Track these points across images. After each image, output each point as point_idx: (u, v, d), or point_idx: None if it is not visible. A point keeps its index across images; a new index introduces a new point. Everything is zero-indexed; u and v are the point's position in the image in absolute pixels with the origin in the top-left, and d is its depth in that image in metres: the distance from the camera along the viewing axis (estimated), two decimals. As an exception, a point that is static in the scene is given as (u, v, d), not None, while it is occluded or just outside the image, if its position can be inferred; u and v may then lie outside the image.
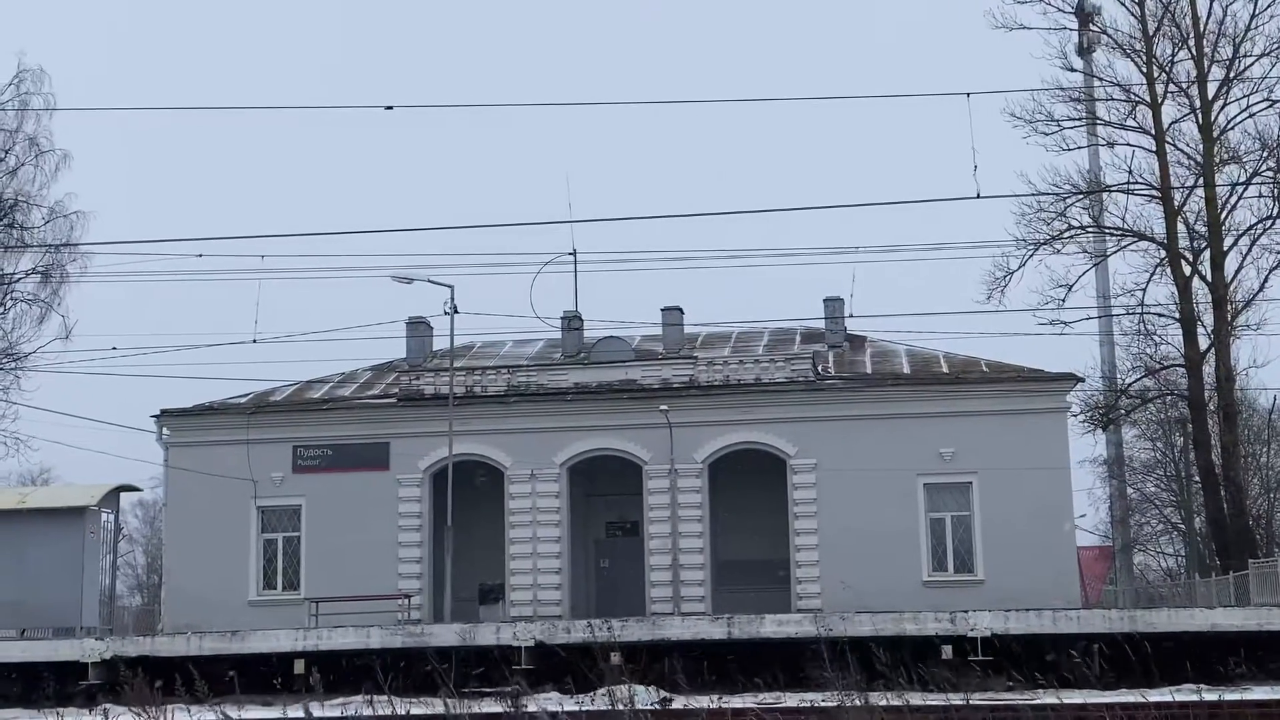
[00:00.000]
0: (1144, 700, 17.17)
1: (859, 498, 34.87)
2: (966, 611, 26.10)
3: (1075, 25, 41.66)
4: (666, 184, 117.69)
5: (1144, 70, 38.90)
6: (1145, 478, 57.29)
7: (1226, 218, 38.31)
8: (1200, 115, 38.30)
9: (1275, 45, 38.02)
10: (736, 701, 20.73)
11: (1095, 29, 41.51)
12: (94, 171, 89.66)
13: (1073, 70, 40.60)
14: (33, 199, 41.77)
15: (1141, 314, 40.08)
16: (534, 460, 36.80)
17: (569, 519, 37.21)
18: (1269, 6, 37.93)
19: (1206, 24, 38.48)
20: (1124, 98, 39.34)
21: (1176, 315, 38.70)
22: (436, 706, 19.24)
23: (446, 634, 27.13)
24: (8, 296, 41.67)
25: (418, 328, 41.34)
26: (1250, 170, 38.26)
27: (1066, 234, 39.08)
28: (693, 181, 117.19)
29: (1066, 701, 19.07)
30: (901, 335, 38.26)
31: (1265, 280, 38.44)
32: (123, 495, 35.07)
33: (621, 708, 17.48)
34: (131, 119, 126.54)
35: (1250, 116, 38.45)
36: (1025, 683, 23.81)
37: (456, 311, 33.65)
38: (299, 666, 26.78)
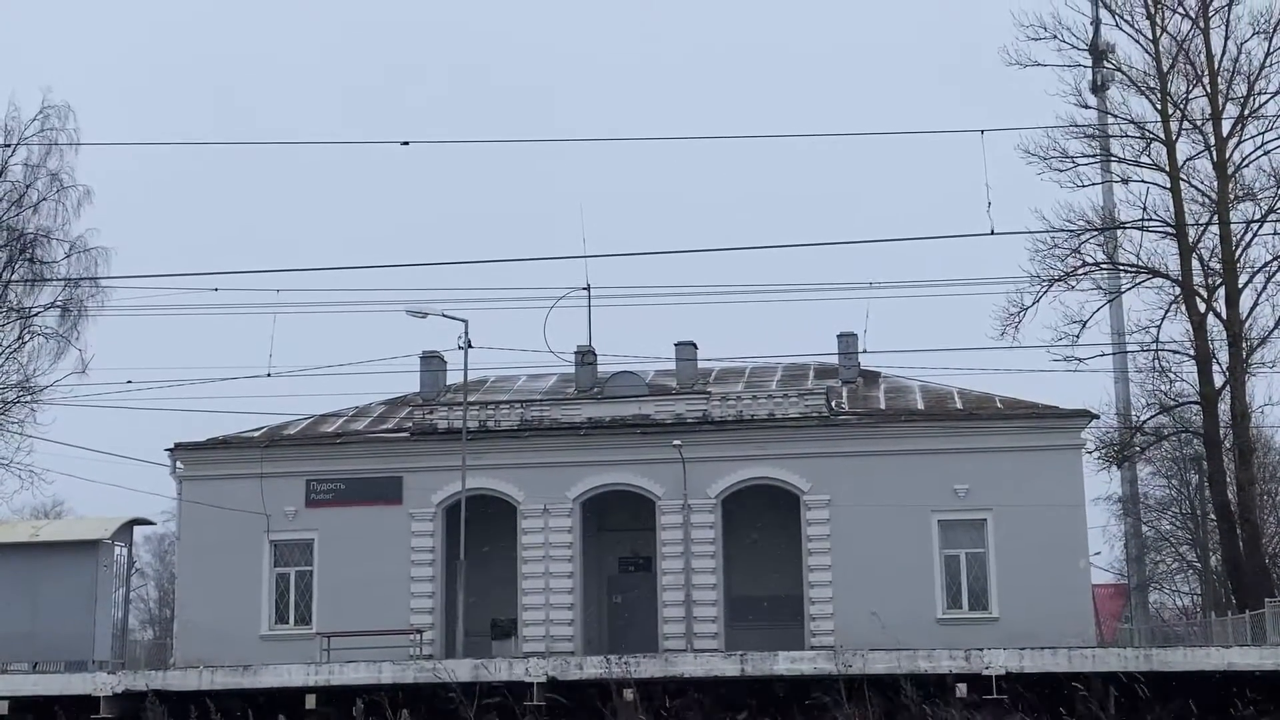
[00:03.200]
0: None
1: (873, 534, 34.79)
2: (981, 649, 25.95)
3: (1089, 62, 41.79)
4: (680, 219, 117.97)
5: (1158, 107, 38.95)
6: (1160, 515, 57.06)
7: (1241, 255, 38.28)
8: (1215, 152, 38.31)
9: (1290, 82, 38.10)
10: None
11: (1109, 66, 41.63)
12: (110, 204, 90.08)
13: (1087, 107, 40.75)
14: (54, 234, 41.93)
15: (1156, 351, 40.07)
16: (547, 495, 36.78)
17: (582, 554, 37.14)
18: (1285, 43, 38.00)
19: (1221, 61, 38.57)
20: (1138, 134, 39.39)
21: (1191, 352, 38.63)
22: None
23: (459, 669, 26.96)
24: (26, 330, 41.80)
25: (431, 362, 41.39)
26: (1265, 207, 38.20)
27: (1081, 270, 39.09)
28: (707, 216, 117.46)
29: (1082, 741, 18.95)
30: (915, 371, 38.28)
31: (1281, 317, 38.40)
32: (136, 529, 35.02)
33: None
34: (147, 153, 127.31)
35: (1265, 154, 38.48)
36: (1040, 721, 23.67)
37: (470, 346, 33.71)
38: (310, 701, 26.70)
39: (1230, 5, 38.59)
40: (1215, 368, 38.29)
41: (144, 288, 51.24)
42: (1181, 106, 38.84)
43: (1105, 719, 23.17)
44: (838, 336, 40.24)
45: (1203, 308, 38.23)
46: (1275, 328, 38.59)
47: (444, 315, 33.28)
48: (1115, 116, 40.32)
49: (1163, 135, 38.76)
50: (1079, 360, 38.34)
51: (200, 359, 46.62)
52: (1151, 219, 38.99)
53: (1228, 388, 38.15)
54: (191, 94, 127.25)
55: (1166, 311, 38.87)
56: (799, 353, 47.57)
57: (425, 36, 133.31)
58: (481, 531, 35.39)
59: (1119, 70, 40.60)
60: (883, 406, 37.96)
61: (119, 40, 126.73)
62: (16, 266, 41.85)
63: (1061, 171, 39.16)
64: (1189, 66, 38.92)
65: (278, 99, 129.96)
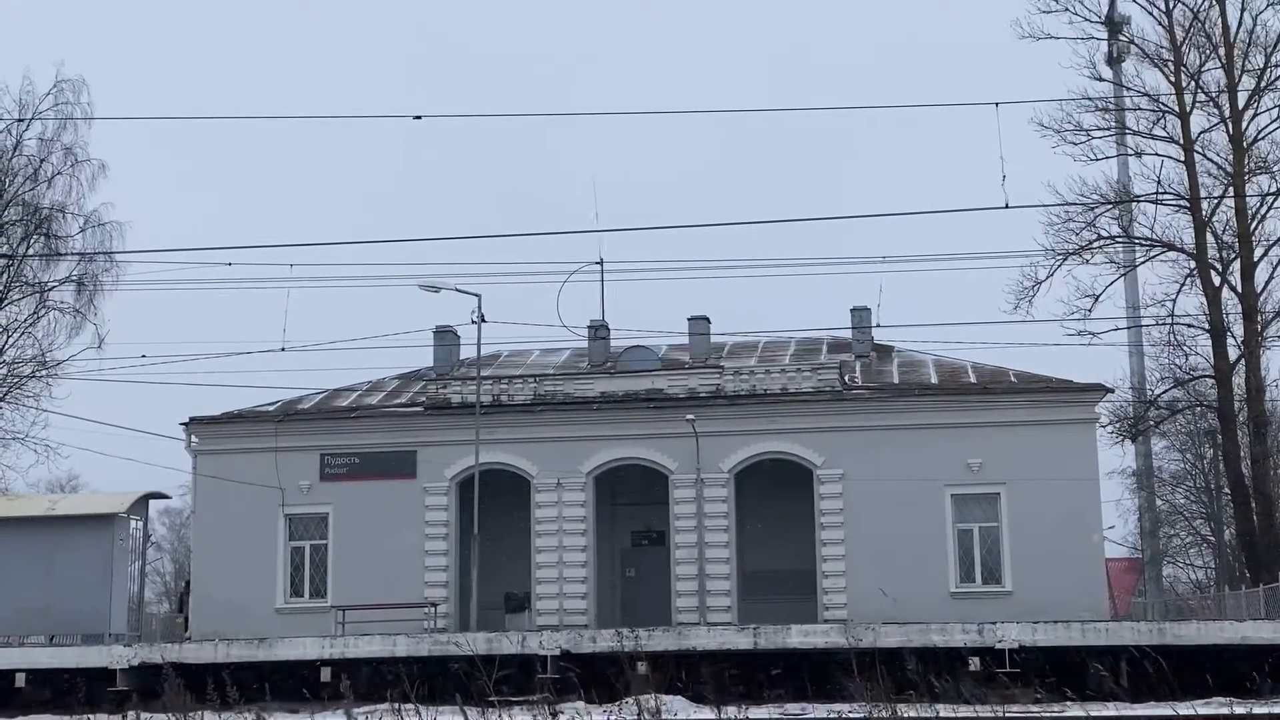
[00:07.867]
0: (1173, 714, 17.10)
1: (886, 508, 34.75)
2: (994, 623, 25.99)
3: (1104, 35, 41.54)
4: (693, 193, 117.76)
5: (1173, 80, 38.76)
6: (1174, 489, 57.04)
7: (1256, 228, 38.18)
8: (1230, 125, 38.15)
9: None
10: (762, 712, 20.70)
11: (1124, 39, 41.41)
12: (124, 179, 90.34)
13: (1101, 80, 40.57)
14: (69, 209, 41.99)
15: (1171, 324, 39.99)
16: (560, 469, 36.82)
17: (595, 528, 37.21)
18: (1302, 16, 37.80)
19: (1237, 33, 38.36)
20: (1152, 107, 39.22)
21: (1206, 326, 38.53)
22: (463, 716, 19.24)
23: (473, 642, 27.10)
24: (42, 305, 41.91)
25: (445, 336, 41.43)
26: (1281, 180, 38.10)
27: (1095, 244, 39.01)
28: (720, 191, 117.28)
29: (1094, 715, 18.96)
30: (929, 345, 38.16)
31: (1296, 291, 38.29)
32: (151, 503, 35.22)
33: (648, 718, 17.46)
34: (160, 127, 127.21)
35: (1281, 126, 38.28)
36: (1053, 695, 23.72)
37: (484, 320, 33.72)
38: (326, 674, 26.86)
39: (1246, -24, 38.38)
40: (1230, 341, 38.23)
41: (159, 263, 51.51)
42: (1196, 79, 38.66)
43: (1119, 693, 23.18)
44: (851, 311, 40.15)
45: (1218, 281, 38.13)
46: (1290, 301, 38.50)
47: (457, 290, 33.31)
48: (1129, 89, 40.14)
49: (1177, 108, 38.60)
50: (1093, 334, 38.34)
51: (215, 333, 46.90)
52: (1166, 192, 38.90)
53: (1243, 361, 38.07)
54: (201, 72, 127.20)
55: (1181, 285, 38.85)
56: (812, 327, 47.52)
57: (445, 19, 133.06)
58: (495, 505, 35.47)
59: (1133, 43, 40.40)
60: (896, 381, 37.88)
61: (129, 17, 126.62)
62: (32, 241, 41.94)
63: (1075, 145, 39.09)
64: (1204, 39, 38.73)
65: (289, 74, 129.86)
